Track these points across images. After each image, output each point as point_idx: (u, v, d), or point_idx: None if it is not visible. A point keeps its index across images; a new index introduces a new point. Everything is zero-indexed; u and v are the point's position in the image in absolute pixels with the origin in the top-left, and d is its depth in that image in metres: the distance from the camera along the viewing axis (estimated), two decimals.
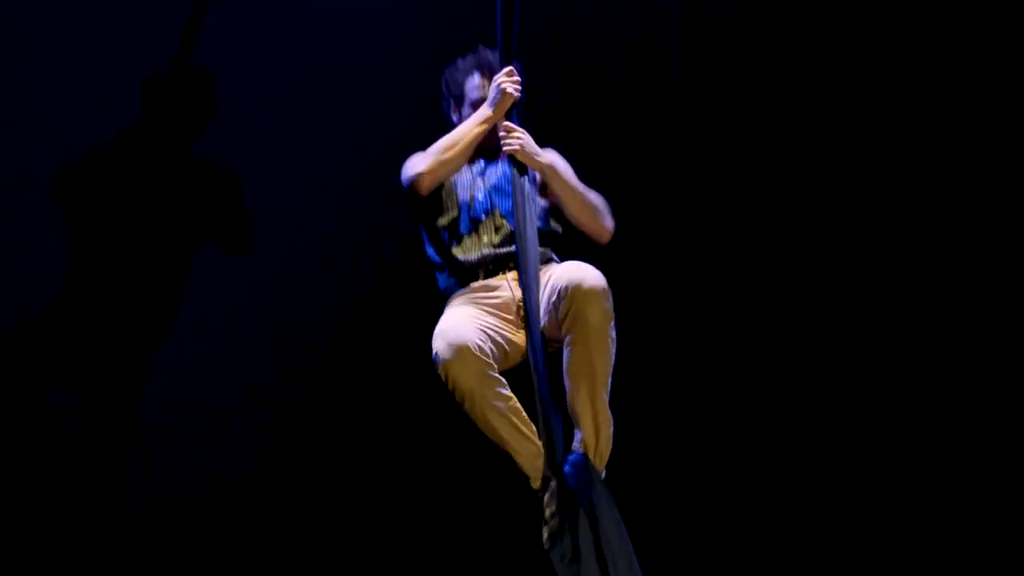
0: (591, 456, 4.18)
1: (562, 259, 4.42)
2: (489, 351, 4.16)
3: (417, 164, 4.43)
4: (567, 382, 4.20)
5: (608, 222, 4.46)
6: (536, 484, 4.21)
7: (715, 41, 5.71)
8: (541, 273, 4.31)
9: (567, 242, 4.47)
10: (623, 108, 5.74)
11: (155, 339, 5.18)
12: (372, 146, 5.46)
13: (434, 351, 4.17)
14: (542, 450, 4.17)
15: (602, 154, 5.44)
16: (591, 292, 4.14)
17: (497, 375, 4.18)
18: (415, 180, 4.40)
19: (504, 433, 4.16)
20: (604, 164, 5.15)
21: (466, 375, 4.11)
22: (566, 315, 4.16)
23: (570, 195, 4.43)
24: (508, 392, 4.19)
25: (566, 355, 4.20)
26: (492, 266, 4.40)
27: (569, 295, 4.14)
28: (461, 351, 4.11)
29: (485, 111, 4.43)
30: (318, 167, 5.47)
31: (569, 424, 4.23)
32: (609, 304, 4.17)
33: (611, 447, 4.22)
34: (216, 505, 5.37)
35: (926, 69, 5.63)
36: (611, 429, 4.21)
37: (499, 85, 4.40)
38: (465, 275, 4.41)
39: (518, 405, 4.20)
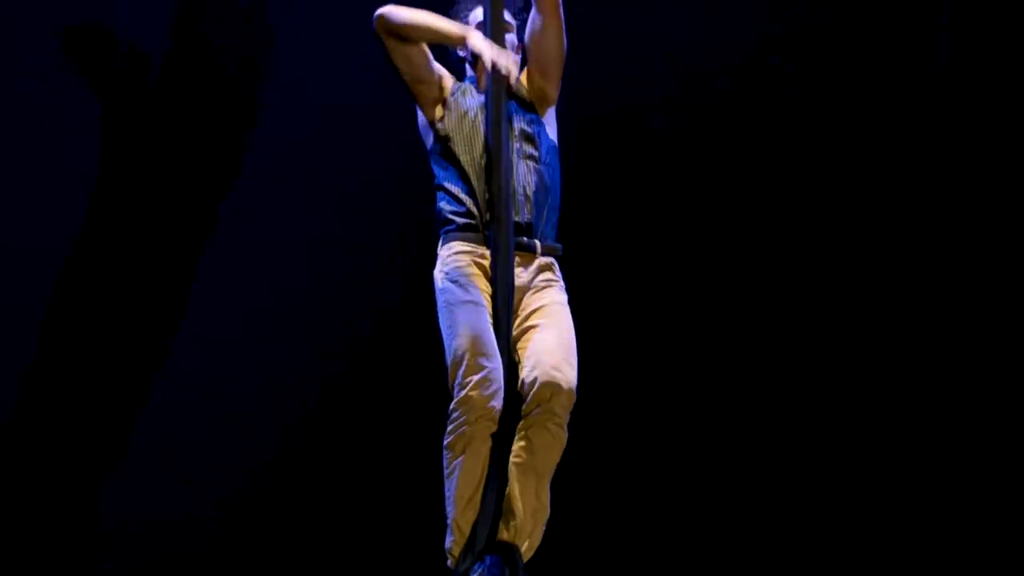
0: (521, 545, 4.08)
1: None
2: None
3: (390, 8, 4.20)
4: (514, 471, 4.08)
5: None
6: (455, 552, 4.09)
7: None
8: (538, 278, 4.23)
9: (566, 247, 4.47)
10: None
11: (159, 336, 5.23)
12: (372, 146, 5.46)
13: (464, 369, 4.05)
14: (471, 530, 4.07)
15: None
16: (567, 396, 4.08)
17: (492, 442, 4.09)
18: (377, 16, 4.19)
19: (463, 489, 4.05)
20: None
21: (484, 415, 4.03)
22: (534, 407, 4.07)
23: None
24: (489, 461, 4.08)
25: (520, 445, 4.09)
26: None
27: (543, 392, 4.06)
28: (494, 394, 4.04)
29: (474, 36, 4.17)
30: (318, 167, 5.47)
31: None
32: (572, 405, 4.11)
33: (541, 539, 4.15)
34: (216, 506, 5.38)
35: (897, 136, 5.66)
36: (545, 523, 4.13)
37: (498, 63, 4.10)
38: (474, 221, 4.23)
39: (486, 478, 4.09)
